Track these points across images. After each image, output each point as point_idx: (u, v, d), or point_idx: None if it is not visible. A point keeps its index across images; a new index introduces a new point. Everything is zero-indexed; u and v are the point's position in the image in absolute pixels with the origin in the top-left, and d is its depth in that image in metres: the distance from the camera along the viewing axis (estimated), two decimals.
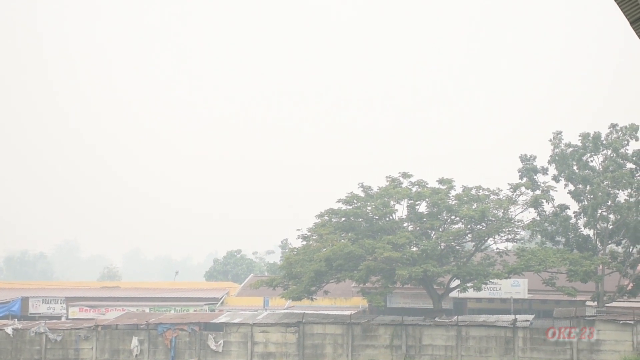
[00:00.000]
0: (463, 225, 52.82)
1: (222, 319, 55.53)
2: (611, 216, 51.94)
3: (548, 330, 48.78)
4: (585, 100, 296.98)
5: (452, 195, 53.36)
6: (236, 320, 54.54)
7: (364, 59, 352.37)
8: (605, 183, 50.96)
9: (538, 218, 53.17)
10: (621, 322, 48.06)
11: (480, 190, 53.54)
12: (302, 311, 55.48)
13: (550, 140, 53.66)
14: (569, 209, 53.40)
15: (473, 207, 51.78)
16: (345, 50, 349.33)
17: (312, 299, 54.77)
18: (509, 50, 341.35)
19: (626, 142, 52.05)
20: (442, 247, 52.54)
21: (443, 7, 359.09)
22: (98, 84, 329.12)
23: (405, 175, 54.80)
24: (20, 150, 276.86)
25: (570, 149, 52.95)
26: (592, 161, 52.76)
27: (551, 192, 52.94)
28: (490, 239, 54.04)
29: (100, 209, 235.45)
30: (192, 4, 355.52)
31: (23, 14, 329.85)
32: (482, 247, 55.09)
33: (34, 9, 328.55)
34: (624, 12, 11.10)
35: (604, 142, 52.32)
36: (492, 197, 53.24)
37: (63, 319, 64.52)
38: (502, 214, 52.33)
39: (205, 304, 65.82)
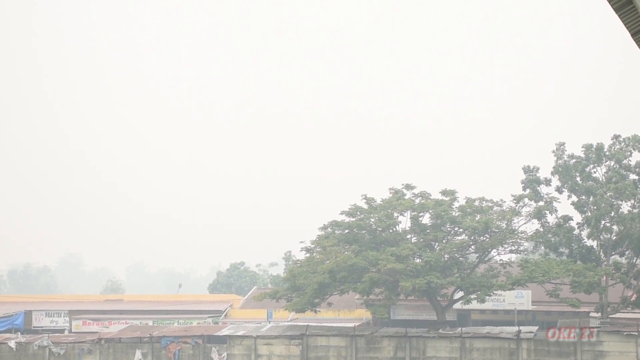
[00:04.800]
0: (466, 237, 52.77)
1: (225, 331, 55.49)
2: (614, 227, 51.92)
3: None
4: (587, 110, 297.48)
5: (456, 207, 53.34)
6: (240, 333, 54.50)
7: (366, 71, 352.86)
8: (608, 194, 50.93)
9: (541, 229, 53.13)
10: (625, 333, 47.97)
11: (484, 202, 53.53)
12: (306, 323, 55.44)
13: (553, 152, 53.73)
14: (572, 220, 53.42)
15: (476, 219, 51.74)
16: (346, 62, 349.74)
17: (315, 311, 54.69)
18: (510, 60, 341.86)
19: (629, 153, 52.08)
20: (446, 259, 52.49)
21: (447, 18, 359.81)
22: (95, 98, 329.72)
23: (409, 186, 54.84)
24: (20, 168, 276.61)
25: (573, 160, 52.97)
26: (595, 172, 52.78)
27: (554, 203, 52.94)
28: (494, 250, 53.98)
29: (103, 224, 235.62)
30: (192, 12, 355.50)
31: (17, 18, 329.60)
32: (486, 259, 55.04)
33: (29, 12, 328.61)
34: (625, 24, 11.14)
35: (607, 153, 52.34)
36: (495, 208, 53.23)
37: (66, 332, 64.54)
38: (505, 226, 52.29)
39: (209, 317, 65.81)
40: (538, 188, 53.52)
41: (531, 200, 52.89)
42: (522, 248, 54.97)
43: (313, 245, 55.14)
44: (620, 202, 51.66)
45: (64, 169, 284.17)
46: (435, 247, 52.83)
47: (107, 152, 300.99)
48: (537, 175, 53.88)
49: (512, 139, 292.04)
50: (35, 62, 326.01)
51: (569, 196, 53.13)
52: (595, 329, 48.28)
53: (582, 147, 53.10)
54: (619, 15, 11.05)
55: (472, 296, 51.13)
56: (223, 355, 53.49)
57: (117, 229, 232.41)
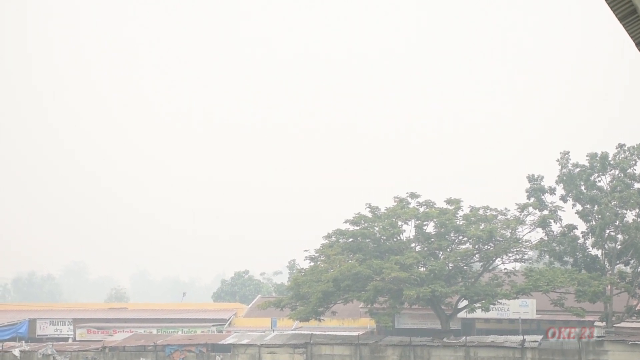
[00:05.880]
0: (471, 246, 52.76)
1: (229, 340, 55.47)
2: (619, 236, 51.85)
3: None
4: (592, 119, 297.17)
5: (460, 216, 53.33)
6: (244, 341, 54.48)
7: (367, 80, 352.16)
8: (613, 203, 50.89)
9: (546, 238, 53.07)
10: (630, 342, 47.87)
11: (488, 211, 53.51)
12: (310, 332, 55.39)
13: (558, 160, 53.69)
14: (577, 229, 53.32)
15: (481, 227, 51.74)
16: (347, 68, 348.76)
17: (319, 320, 54.66)
18: (516, 69, 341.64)
19: (634, 162, 52.05)
20: (450, 268, 52.45)
21: (451, 26, 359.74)
22: (93, 105, 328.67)
23: (413, 195, 54.84)
24: (19, 176, 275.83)
25: (578, 169, 52.94)
26: (599, 181, 52.72)
27: (559, 212, 52.91)
28: (498, 259, 53.94)
29: (107, 232, 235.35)
30: (191, 18, 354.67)
31: (11, 22, 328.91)
32: (490, 268, 54.98)
33: (23, 17, 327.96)
34: (629, 33, 11.18)
35: (612, 162, 52.31)
36: (499, 217, 53.21)
37: (70, 341, 64.53)
38: (509, 234, 52.27)
39: (213, 325, 65.78)
40: (542, 197, 53.48)
41: (535, 209, 52.85)
42: (526, 257, 54.92)
43: (317, 254, 55.15)
44: (625, 211, 51.60)
45: (63, 177, 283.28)
46: (440, 255, 52.79)
47: (106, 159, 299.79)
48: (542, 184, 53.85)
49: (516, 148, 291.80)
50: (30, 70, 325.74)
51: (574, 205, 53.08)
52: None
53: (587, 156, 53.09)
54: (623, 25, 11.09)
55: (477, 305, 51.08)
56: None
57: (121, 238, 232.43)
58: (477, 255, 53.62)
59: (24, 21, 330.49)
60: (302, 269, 59.04)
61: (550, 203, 53.34)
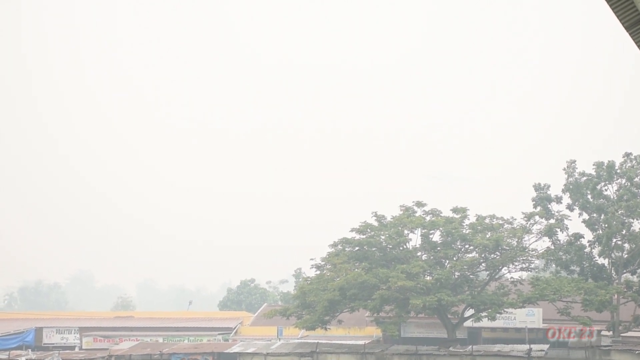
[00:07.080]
0: (477, 254, 52.70)
1: (235, 348, 55.44)
2: (626, 245, 51.78)
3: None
4: (595, 123, 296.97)
5: (466, 224, 53.30)
6: (250, 350, 54.43)
7: (368, 84, 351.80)
8: (619, 212, 50.84)
9: (552, 247, 53.03)
10: (637, 352, 47.71)
11: (494, 219, 53.48)
12: (316, 341, 55.33)
13: (564, 169, 53.70)
14: (584, 237, 53.29)
15: (487, 236, 51.70)
16: (349, 74, 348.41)
17: (325, 329, 54.58)
18: (517, 73, 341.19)
19: None
20: (456, 276, 52.41)
21: (451, 30, 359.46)
22: (93, 116, 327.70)
23: (419, 204, 54.84)
24: (21, 187, 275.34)
25: (584, 178, 52.93)
26: (606, 190, 52.70)
27: (565, 221, 52.87)
28: (505, 268, 53.87)
29: (112, 242, 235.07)
30: (191, 28, 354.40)
31: (5, 24, 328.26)
32: (496, 276, 54.90)
33: (17, 19, 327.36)
34: (635, 42, 11.20)
35: (618, 171, 52.30)
36: (506, 226, 53.16)
37: (77, 349, 64.57)
38: (516, 243, 52.21)
39: (219, 334, 65.77)
40: (549, 205, 53.46)
41: (542, 218, 52.81)
42: (533, 266, 54.85)
43: (323, 263, 55.15)
44: (632, 220, 51.56)
45: (64, 186, 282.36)
46: (446, 264, 52.76)
47: (105, 165, 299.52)
48: (548, 192, 53.83)
49: (517, 151, 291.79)
50: (25, 72, 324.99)
51: (580, 214, 53.07)
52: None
53: (593, 164, 53.09)
54: (629, 34, 11.11)
55: (483, 314, 50.99)
56: None
57: (126, 247, 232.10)
58: (483, 264, 53.56)
59: (19, 21, 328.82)
60: (308, 277, 58.96)
61: (557, 212, 53.33)
